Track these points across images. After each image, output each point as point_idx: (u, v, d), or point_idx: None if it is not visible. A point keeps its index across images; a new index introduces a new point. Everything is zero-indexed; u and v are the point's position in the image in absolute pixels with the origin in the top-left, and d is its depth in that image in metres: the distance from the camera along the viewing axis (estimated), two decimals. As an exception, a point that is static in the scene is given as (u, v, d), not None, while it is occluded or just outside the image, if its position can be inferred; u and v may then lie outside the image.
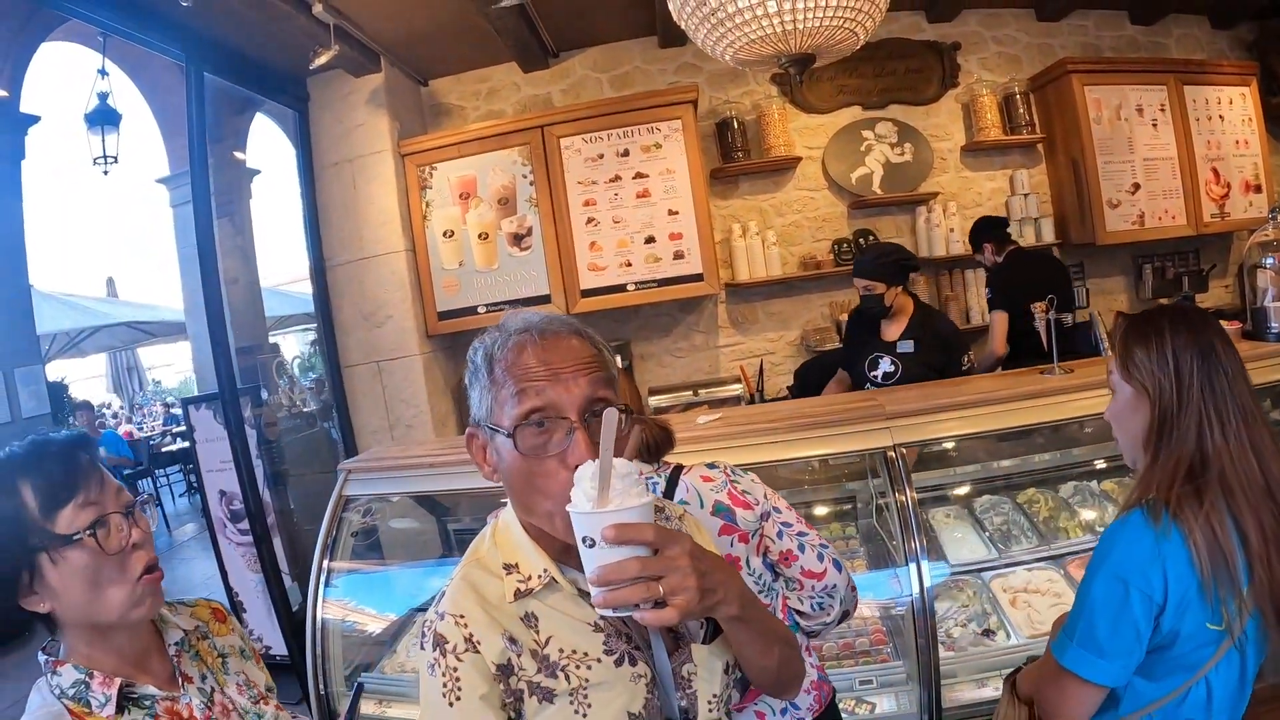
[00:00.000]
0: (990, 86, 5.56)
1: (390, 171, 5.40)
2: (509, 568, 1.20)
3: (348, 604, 3.19)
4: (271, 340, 7.59)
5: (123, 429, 11.92)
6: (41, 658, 1.31)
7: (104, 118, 7.07)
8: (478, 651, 1.13)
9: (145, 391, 13.99)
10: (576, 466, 1.07)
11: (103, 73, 6.69)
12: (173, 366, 18.04)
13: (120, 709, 1.29)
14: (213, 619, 1.56)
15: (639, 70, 5.63)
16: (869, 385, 3.91)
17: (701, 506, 1.86)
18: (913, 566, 2.34)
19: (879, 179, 5.42)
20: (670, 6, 3.17)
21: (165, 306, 9.95)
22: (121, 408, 15.24)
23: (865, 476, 3.06)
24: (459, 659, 1.13)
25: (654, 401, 5.13)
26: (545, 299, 5.21)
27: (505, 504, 1.29)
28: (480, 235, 5.38)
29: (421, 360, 5.44)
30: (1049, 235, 5.52)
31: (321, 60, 4.43)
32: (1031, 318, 3.38)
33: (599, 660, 1.17)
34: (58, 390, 10.49)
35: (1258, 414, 1.51)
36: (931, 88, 5.61)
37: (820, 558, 1.87)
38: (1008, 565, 2.58)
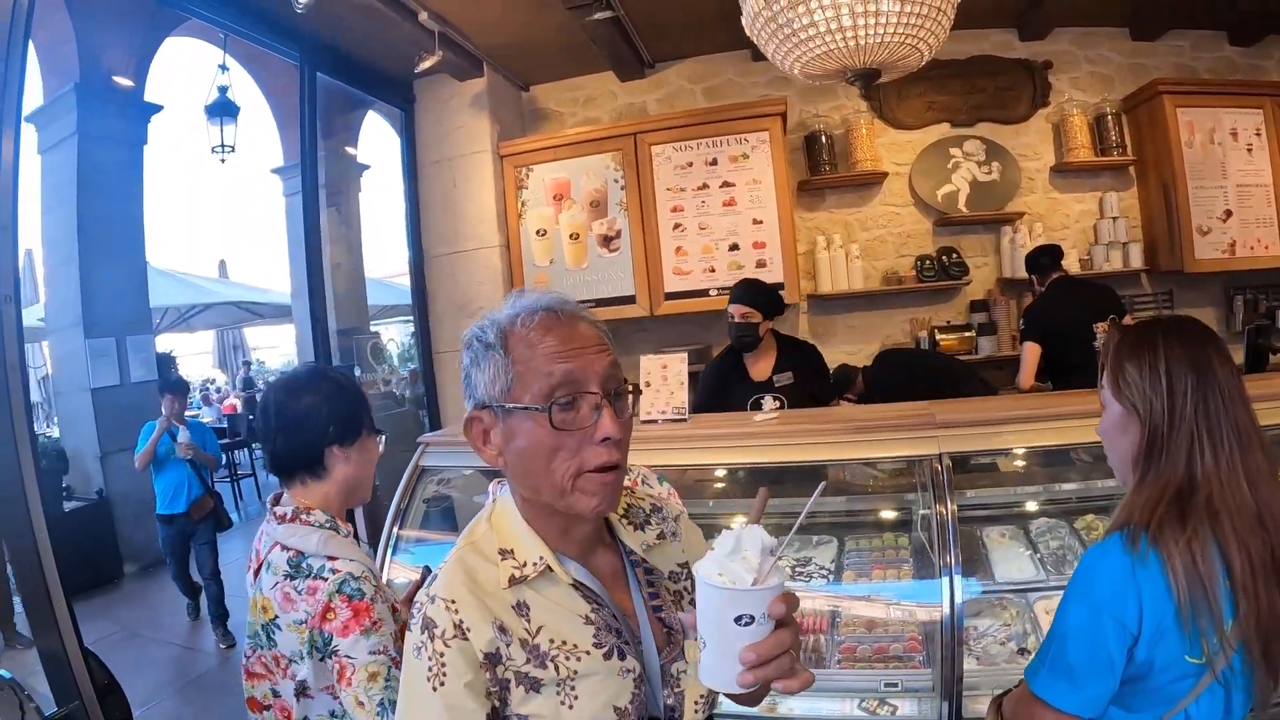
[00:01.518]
0: (1081, 107, 5.49)
1: (489, 171, 5.64)
2: (504, 553, 1.19)
3: (416, 569, 3.35)
4: (373, 328, 7.95)
5: (227, 402, 12.52)
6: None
7: (223, 110, 7.48)
8: (466, 639, 1.12)
9: (251, 369, 14.57)
10: (604, 439, 1.13)
11: (223, 68, 7.09)
12: (278, 349, 18.67)
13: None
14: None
15: (731, 83, 5.78)
16: None
17: None
18: (945, 579, 2.40)
19: (965, 197, 5.42)
20: (743, 21, 3.29)
21: (273, 289, 10.40)
22: (226, 383, 16.00)
23: (920, 489, 3.14)
24: (446, 644, 1.12)
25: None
26: (630, 299, 5.39)
27: (503, 484, 1.29)
28: (571, 235, 5.58)
29: None
30: (1137, 261, 5.42)
31: (426, 65, 4.70)
32: (1078, 350, 3.41)
33: (588, 653, 1.17)
34: (166, 361, 11.10)
35: (1254, 437, 1.42)
36: (1021, 106, 5.56)
37: None
38: (1055, 588, 2.56)
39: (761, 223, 5.11)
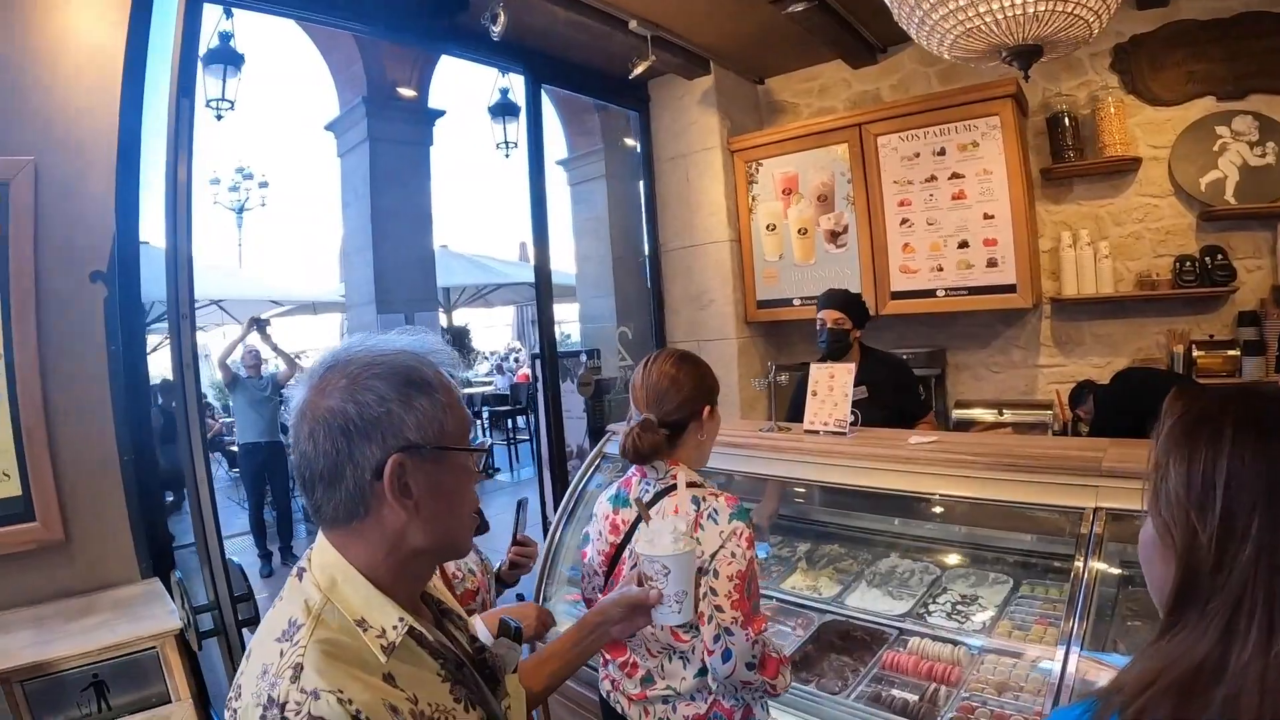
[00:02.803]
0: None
1: (719, 166, 5.63)
2: (360, 624, 1.10)
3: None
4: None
5: (521, 371, 13.49)
6: None
7: (505, 110, 8.08)
8: None
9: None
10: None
11: (505, 71, 7.57)
12: (561, 325, 19.76)
13: None
14: None
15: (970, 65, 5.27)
16: None
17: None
18: (1061, 649, 2.13)
19: (1233, 185, 4.44)
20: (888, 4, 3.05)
21: (561, 270, 11.14)
22: (523, 351, 17.22)
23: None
24: None
25: (957, 414, 4.93)
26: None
27: (324, 560, 1.15)
28: (800, 230, 5.44)
29: (737, 344, 5.68)
30: None
31: (639, 70, 4.76)
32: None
33: (453, 711, 1.14)
34: (462, 332, 12.26)
35: None
36: (1301, 72, 4.46)
37: (717, 639, 1.89)
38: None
39: (993, 217, 4.65)
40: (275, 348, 7.73)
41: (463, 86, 8.26)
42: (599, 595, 2.12)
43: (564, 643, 1.67)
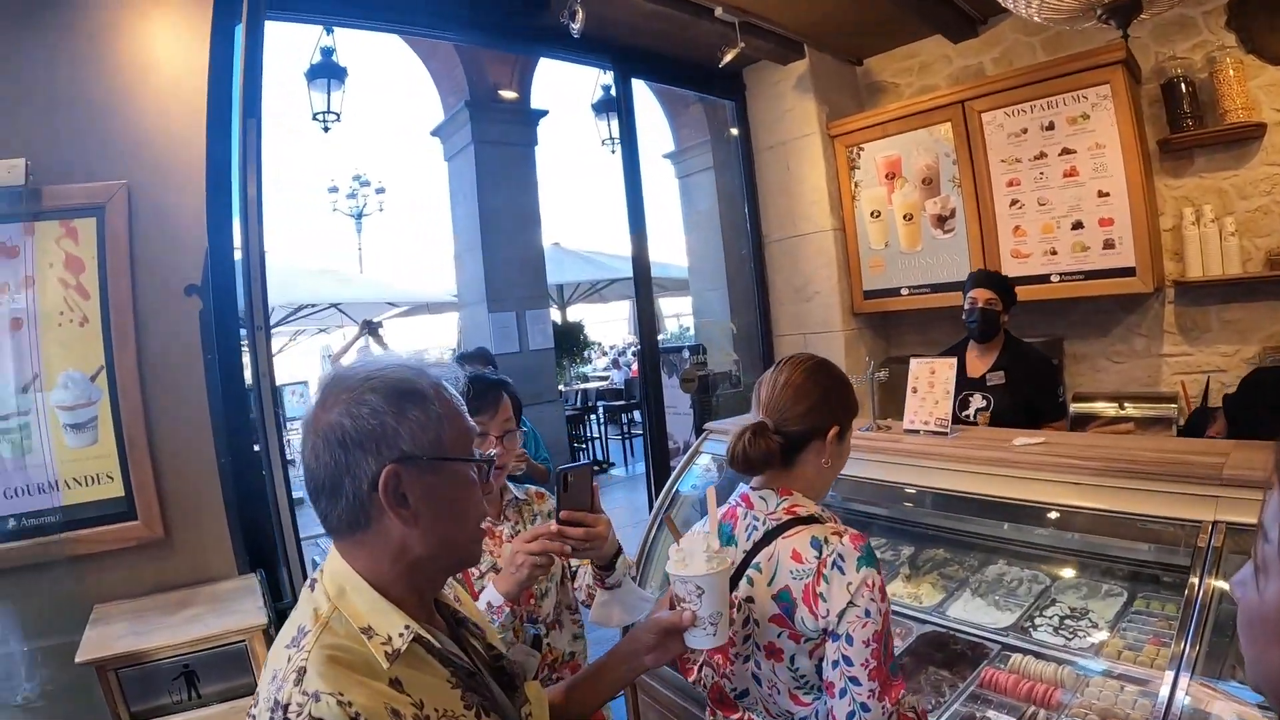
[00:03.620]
0: None
1: (819, 153, 5.49)
2: (366, 631, 1.11)
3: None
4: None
5: (635, 366, 13.57)
6: None
7: (607, 106, 8.13)
8: None
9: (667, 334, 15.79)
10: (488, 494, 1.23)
11: (605, 69, 7.62)
12: (678, 317, 19.68)
13: None
14: (535, 498, 2.39)
15: (1074, 30, 4.93)
16: None
17: (769, 583, 1.69)
18: (1170, 673, 1.95)
19: None
20: None
21: (673, 264, 11.11)
22: (635, 343, 17.08)
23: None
24: None
25: (1076, 409, 4.64)
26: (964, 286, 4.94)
27: (334, 569, 1.18)
28: (905, 216, 5.25)
29: (844, 337, 5.53)
30: None
31: (728, 57, 4.67)
32: None
33: (462, 717, 1.14)
34: (575, 328, 12.44)
35: None
36: None
37: (851, 715, 1.59)
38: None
39: (1108, 195, 4.35)
40: (386, 349, 7.96)
41: (567, 86, 8.34)
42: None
43: (595, 672, 1.62)
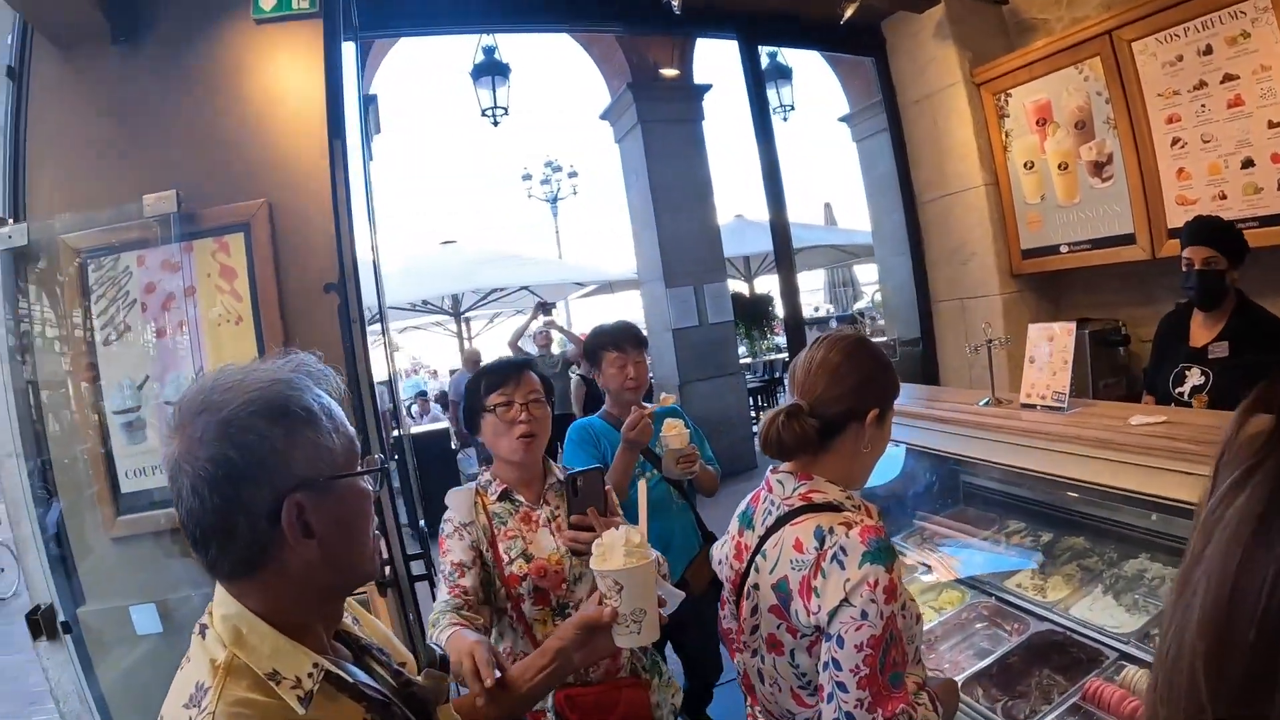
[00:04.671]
0: None
1: (964, 103, 5.15)
2: (272, 677, 1.01)
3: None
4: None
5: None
6: (482, 468, 2.45)
7: (778, 73, 7.92)
8: None
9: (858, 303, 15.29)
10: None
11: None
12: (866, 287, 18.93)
13: (502, 498, 2.29)
14: None
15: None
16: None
17: (771, 571, 1.60)
18: None
19: None
20: None
21: (859, 230, 10.73)
22: (831, 312, 16.80)
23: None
24: None
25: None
26: (1128, 239, 4.46)
27: (226, 612, 1.07)
28: (1060, 165, 4.78)
29: (1003, 301, 5.17)
30: None
31: (849, 12, 4.56)
32: None
33: None
34: (763, 300, 12.33)
35: None
36: None
37: None
38: None
39: (1279, 125, 3.75)
40: (561, 329, 8.28)
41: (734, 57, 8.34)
42: (734, 627, 1.79)
43: (522, 671, 1.54)
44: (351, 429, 1.14)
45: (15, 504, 3.08)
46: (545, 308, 8.15)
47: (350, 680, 1.09)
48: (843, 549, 1.46)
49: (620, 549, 1.49)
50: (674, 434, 2.98)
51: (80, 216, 3.12)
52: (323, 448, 1.06)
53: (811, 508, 1.59)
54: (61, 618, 2.99)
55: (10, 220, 3.09)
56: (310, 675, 1.02)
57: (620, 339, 3.22)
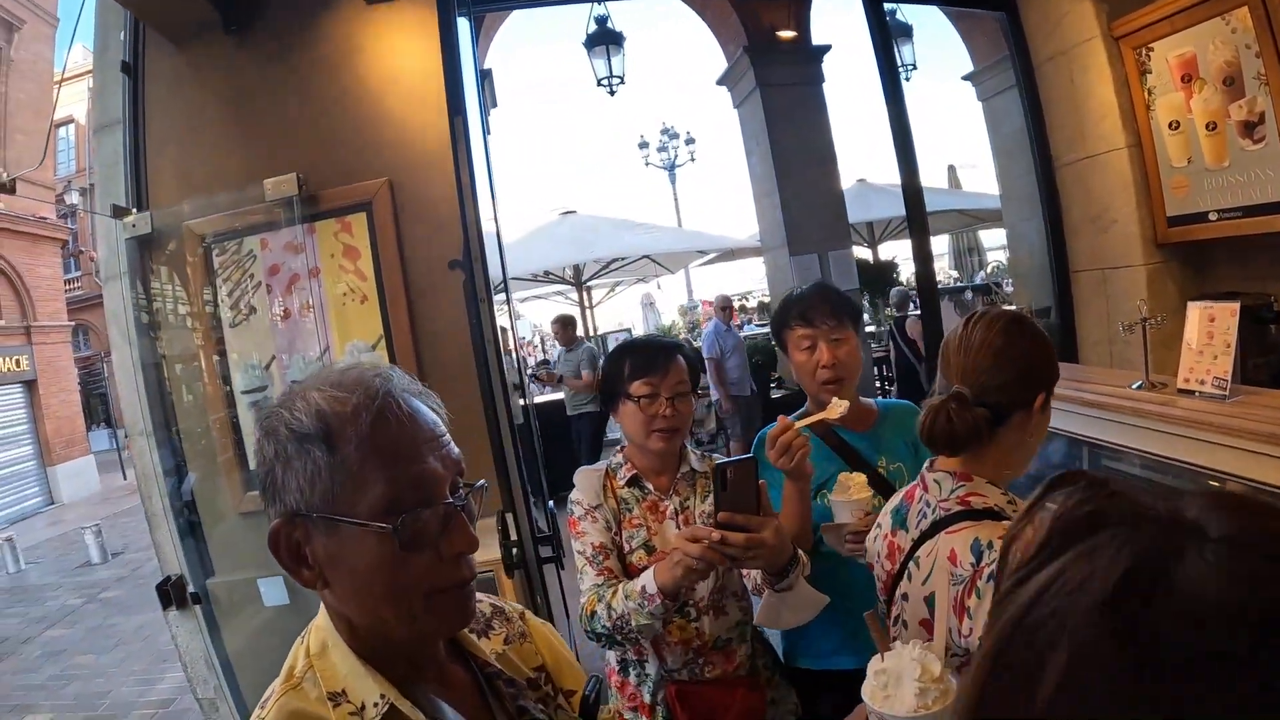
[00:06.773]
0: None
1: (1103, 59, 4.86)
2: (335, 697, 0.97)
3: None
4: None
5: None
6: (616, 449, 2.34)
7: (900, 31, 7.75)
8: None
9: (986, 271, 14.72)
10: (458, 555, 0.99)
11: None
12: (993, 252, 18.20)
13: (630, 484, 2.22)
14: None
15: None
16: None
17: (923, 583, 1.50)
18: None
19: None
20: None
21: (987, 194, 10.36)
22: (956, 280, 16.39)
23: None
24: None
25: None
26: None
27: (320, 621, 1.07)
28: (1208, 125, 4.49)
29: (1146, 272, 4.91)
30: None
31: None
32: None
33: None
34: (888, 266, 12.06)
35: None
36: None
37: None
38: None
39: None
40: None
41: (857, 16, 8.16)
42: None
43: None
44: (413, 467, 0.98)
45: (146, 478, 3.29)
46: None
47: (414, 719, 0.99)
48: (995, 567, 1.31)
49: (910, 683, 1.17)
50: (852, 494, 1.98)
51: (203, 202, 3.26)
52: (311, 481, 0.94)
53: (970, 514, 1.47)
54: (191, 589, 3.19)
55: (134, 210, 3.25)
56: (376, 705, 0.96)
57: (807, 308, 2.33)
